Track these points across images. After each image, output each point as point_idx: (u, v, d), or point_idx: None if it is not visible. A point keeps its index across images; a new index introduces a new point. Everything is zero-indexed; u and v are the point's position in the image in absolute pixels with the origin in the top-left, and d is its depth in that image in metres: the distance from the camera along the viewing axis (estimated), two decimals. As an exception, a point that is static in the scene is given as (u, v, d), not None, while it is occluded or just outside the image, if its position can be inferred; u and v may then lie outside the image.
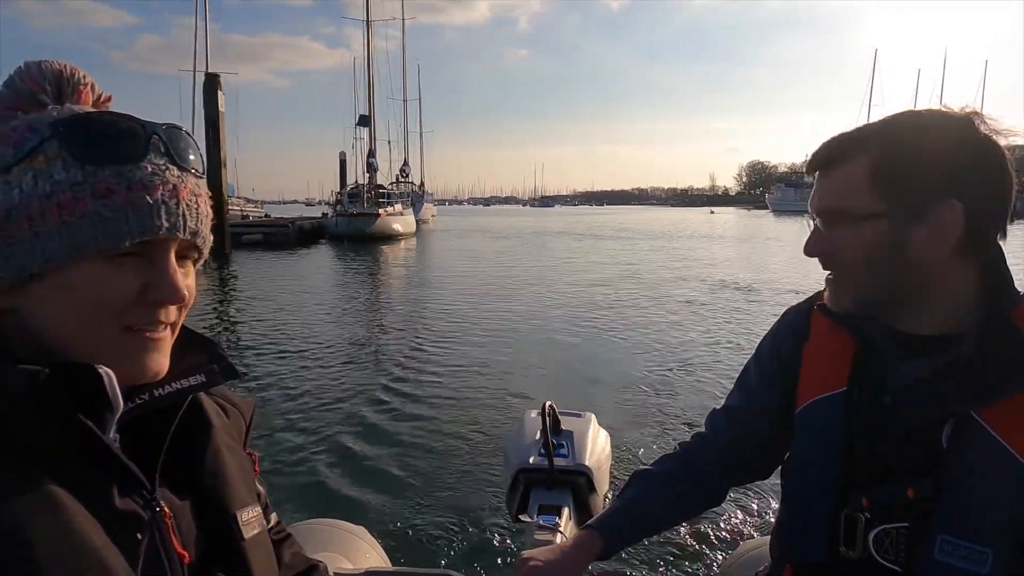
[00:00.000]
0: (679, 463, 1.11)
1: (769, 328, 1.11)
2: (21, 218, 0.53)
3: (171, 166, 0.58)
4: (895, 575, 0.86)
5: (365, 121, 37.36)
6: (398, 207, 34.07)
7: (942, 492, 0.82)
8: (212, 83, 22.23)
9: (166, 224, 0.56)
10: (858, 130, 0.87)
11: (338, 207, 33.38)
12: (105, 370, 0.56)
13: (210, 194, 0.64)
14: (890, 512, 0.85)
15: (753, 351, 1.13)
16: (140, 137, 0.57)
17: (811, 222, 0.90)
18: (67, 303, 0.55)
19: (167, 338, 0.61)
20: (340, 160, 42.67)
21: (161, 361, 0.60)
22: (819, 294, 1.01)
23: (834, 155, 0.86)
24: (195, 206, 0.59)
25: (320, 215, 36.41)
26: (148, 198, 0.55)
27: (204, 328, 9.42)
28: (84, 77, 0.61)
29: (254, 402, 0.80)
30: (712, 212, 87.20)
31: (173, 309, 0.60)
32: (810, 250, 0.90)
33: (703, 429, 1.15)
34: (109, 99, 0.64)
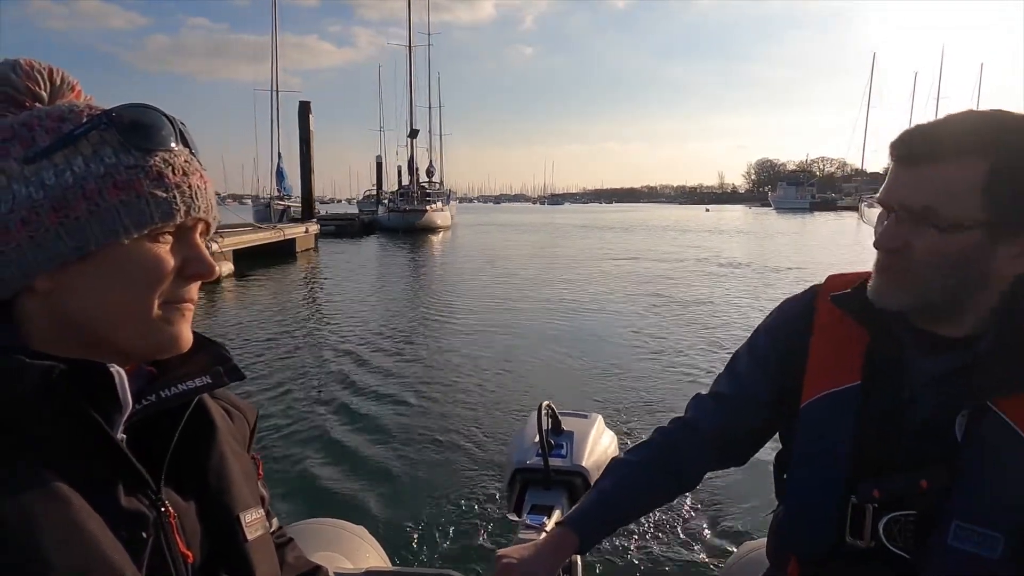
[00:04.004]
0: (659, 450, 1.06)
1: (764, 318, 1.06)
2: (78, 198, 0.54)
3: (190, 152, 0.61)
4: (901, 561, 0.85)
5: (415, 133, 42.67)
6: (438, 204, 38.20)
7: (956, 481, 0.82)
8: (305, 109, 26.85)
9: (203, 206, 0.60)
10: (964, 124, 0.79)
11: (390, 204, 37.96)
12: (116, 369, 0.55)
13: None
14: (900, 501, 0.85)
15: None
16: (171, 128, 0.59)
17: (865, 209, 0.98)
18: (117, 280, 0.56)
19: (192, 312, 0.63)
20: (377, 163, 47.94)
21: (189, 334, 0.62)
22: (816, 286, 1.00)
23: (935, 150, 0.79)
24: (205, 187, 0.61)
25: (359, 211, 41.94)
26: (189, 181, 0.59)
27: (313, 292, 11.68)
28: (72, 78, 0.62)
29: (257, 409, 0.81)
30: (707, 210, 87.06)
31: (196, 285, 0.62)
32: (885, 243, 0.83)
33: (685, 414, 1.09)
34: (90, 100, 0.63)
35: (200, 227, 0.62)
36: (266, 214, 29.03)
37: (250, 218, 27.19)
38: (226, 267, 13.66)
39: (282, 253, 18.57)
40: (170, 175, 0.58)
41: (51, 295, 0.56)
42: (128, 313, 0.58)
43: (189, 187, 0.59)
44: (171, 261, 0.59)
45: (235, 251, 14.92)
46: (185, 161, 0.60)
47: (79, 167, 0.55)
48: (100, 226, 0.55)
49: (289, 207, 30.47)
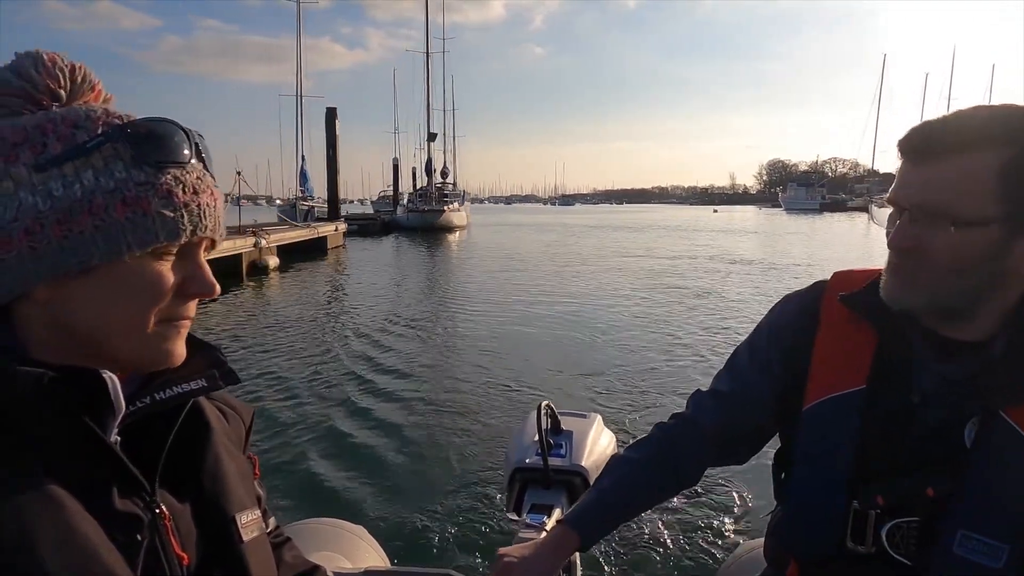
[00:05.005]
0: (658, 447, 1.04)
1: (766, 313, 1.03)
2: (84, 213, 0.52)
3: (204, 169, 0.60)
4: (902, 567, 0.83)
5: (433, 137, 44.56)
6: (455, 205, 39.42)
7: (963, 489, 0.80)
8: (331, 114, 28.59)
9: (210, 225, 0.59)
10: (975, 118, 0.77)
11: (409, 205, 39.35)
12: (109, 375, 0.55)
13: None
14: (903, 508, 0.83)
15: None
16: (187, 143, 0.58)
17: (875, 210, 0.84)
18: (116, 295, 0.55)
19: (188, 328, 0.62)
20: (393, 165, 49.53)
21: (183, 349, 0.61)
22: (821, 283, 0.97)
23: (946, 144, 0.76)
24: (215, 205, 0.60)
25: (375, 211, 43.31)
26: (198, 200, 0.57)
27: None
28: (95, 76, 0.60)
29: (253, 409, 0.80)
30: (715, 211, 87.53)
31: (195, 303, 0.61)
32: (899, 243, 0.80)
33: (684, 410, 1.07)
34: (110, 100, 0.62)
35: (205, 244, 0.61)
36: (291, 214, 30.31)
37: (272, 219, 28.54)
38: (273, 260, 15.46)
39: (315, 249, 20.33)
40: (180, 194, 0.56)
41: (49, 304, 0.55)
42: (124, 328, 0.57)
43: (198, 206, 0.58)
44: (172, 279, 0.58)
45: (278, 247, 16.63)
46: (197, 178, 0.59)
47: (88, 180, 0.53)
48: (104, 243, 0.53)
49: (313, 207, 31.77)
